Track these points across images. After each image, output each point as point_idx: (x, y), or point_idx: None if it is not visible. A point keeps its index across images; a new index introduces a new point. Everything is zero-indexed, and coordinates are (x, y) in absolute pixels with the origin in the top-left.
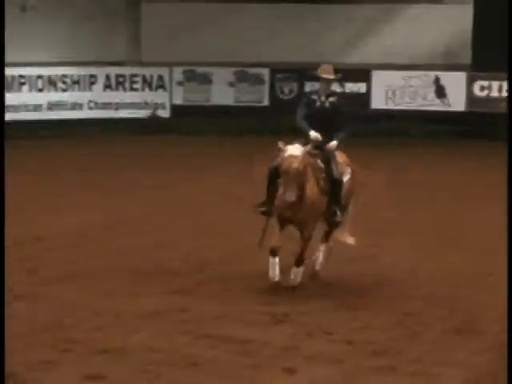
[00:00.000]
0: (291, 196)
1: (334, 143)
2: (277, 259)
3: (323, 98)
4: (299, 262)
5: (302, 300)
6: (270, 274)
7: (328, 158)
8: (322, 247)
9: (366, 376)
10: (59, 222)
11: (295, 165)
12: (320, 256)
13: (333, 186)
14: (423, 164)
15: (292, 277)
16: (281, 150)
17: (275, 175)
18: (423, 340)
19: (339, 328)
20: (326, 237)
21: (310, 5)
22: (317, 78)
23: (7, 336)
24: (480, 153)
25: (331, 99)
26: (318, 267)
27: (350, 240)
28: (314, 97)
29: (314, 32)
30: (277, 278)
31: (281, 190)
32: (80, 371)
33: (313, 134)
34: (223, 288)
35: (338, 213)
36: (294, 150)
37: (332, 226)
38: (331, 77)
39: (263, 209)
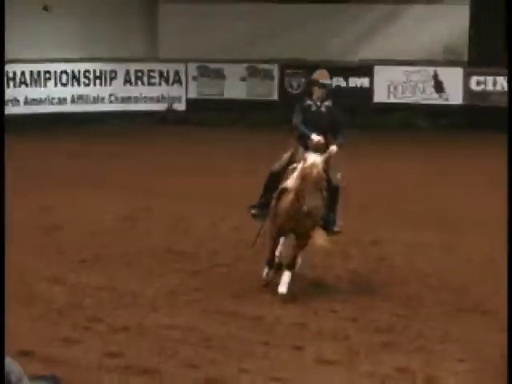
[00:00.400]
0: (313, 202)
1: (334, 148)
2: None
3: (319, 103)
4: (291, 265)
5: (308, 282)
6: (280, 288)
7: (327, 165)
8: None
9: (370, 351)
10: (82, 209)
11: (315, 172)
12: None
13: (332, 194)
14: (425, 153)
15: (284, 280)
16: (302, 158)
17: (276, 180)
18: (426, 318)
19: (344, 307)
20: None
21: (318, 5)
22: (314, 83)
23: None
24: (477, 142)
25: (326, 103)
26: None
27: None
28: (310, 102)
29: (320, 31)
30: (282, 291)
31: (286, 201)
32: (99, 348)
33: (316, 137)
34: (236, 269)
35: (338, 222)
36: (315, 157)
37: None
38: (328, 82)
39: (254, 211)
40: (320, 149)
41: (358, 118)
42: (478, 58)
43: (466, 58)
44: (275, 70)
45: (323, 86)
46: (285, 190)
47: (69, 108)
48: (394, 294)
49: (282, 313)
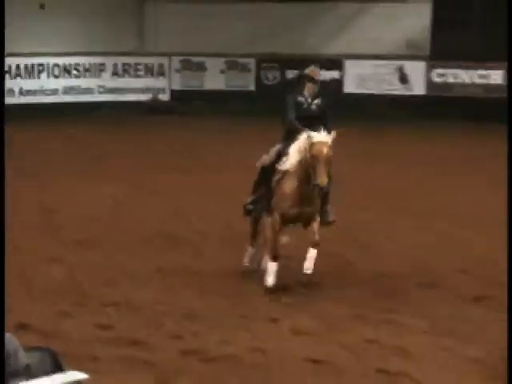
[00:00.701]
0: (324, 180)
1: (335, 133)
2: (276, 265)
3: (310, 100)
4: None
5: (281, 260)
6: (269, 281)
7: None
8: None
9: (341, 324)
10: (78, 193)
11: (326, 150)
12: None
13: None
14: (389, 141)
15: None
16: (308, 137)
17: (268, 173)
18: (395, 294)
19: (317, 282)
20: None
21: (292, 3)
22: (306, 78)
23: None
24: (438, 130)
25: (317, 101)
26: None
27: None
28: (301, 99)
29: (294, 27)
30: (272, 283)
31: (288, 187)
32: (91, 321)
33: (312, 133)
34: (222, 250)
35: (332, 211)
36: (323, 136)
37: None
38: (319, 78)
39: (250, 207)
40: None
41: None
42: (439, 53)
43: (428, 53)
44: (252, 63)
45: (316, 81)
46: (285, 174)
47: (60, 98)
48: (369, 272)
49: (258, 288)
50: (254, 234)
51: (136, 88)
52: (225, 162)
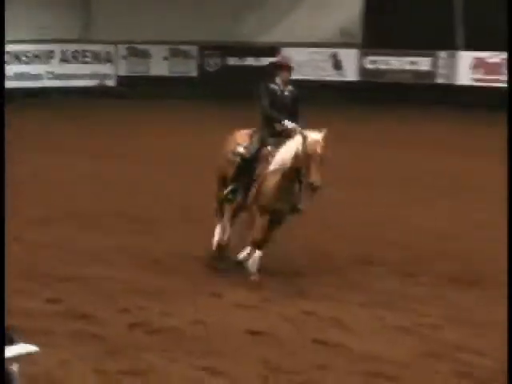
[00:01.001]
0: (318, 180)
1: (325, 130)
2: (261, 253)
3: (283, 87)
4: (261, 245)
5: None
6: (253, 268)
7: None
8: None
9: (281, 298)
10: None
11: (320, 150)
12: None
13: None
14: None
15: (252, 261)
16: (301, 136)
17: (249, 164)
18: (334, 270)
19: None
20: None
21: None
22: (279, 66)
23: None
24: (369, 114)
25: (290, 88)
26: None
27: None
28: (275, 86)
29: (235, 15)
30: (255, 271)
31: (273, 181)
32: (42, 296)
33: (289, 124)
34: (174, 229)
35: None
36: (316, 135)
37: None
38: (292, 65)
39: (230, 196)
40: (289, 134)
41: None
42: (371, 41)
43: (360, 40)
44: (194, 50)
45: (290, 68)
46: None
47: (10, 84)
48: (308, 248)
49: (205, 265)
50: (222, 213)
51: (84, 74)
52: (169, 145)
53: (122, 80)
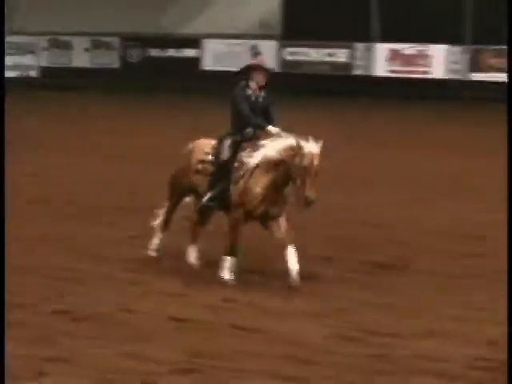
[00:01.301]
0: (313, 194)
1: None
2: (234, 260)
3: (257, 92)
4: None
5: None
6: (227, 276)
7: None
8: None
9: (203, 286)
10: None
11: (317, 163)
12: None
13: None
14: None
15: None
16: (298, 147)
17: (225, 170)
18: (256, 259)
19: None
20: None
21: None
22: (254, 68)
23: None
24: (289, 105)
25: (262, 93)
26: None
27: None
28: (249, 91)
29: (157, 7)
30: (230, 278)
31: (259, 184)
32: None
33: (274, 129)
34: (115, 218)
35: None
36: (313, 146)
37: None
38: (267, 68)
39: (210, 204)
40: (260, 138)
41: (187, 82)
42: (290, 33)
43: (279, 32)
44: (116, 42)
45: (265, 70)
46: (254, 170)
47: None
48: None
49: (138, 256)
50: (197, 235)
51: (6, 65)
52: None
53: (45, 71)
